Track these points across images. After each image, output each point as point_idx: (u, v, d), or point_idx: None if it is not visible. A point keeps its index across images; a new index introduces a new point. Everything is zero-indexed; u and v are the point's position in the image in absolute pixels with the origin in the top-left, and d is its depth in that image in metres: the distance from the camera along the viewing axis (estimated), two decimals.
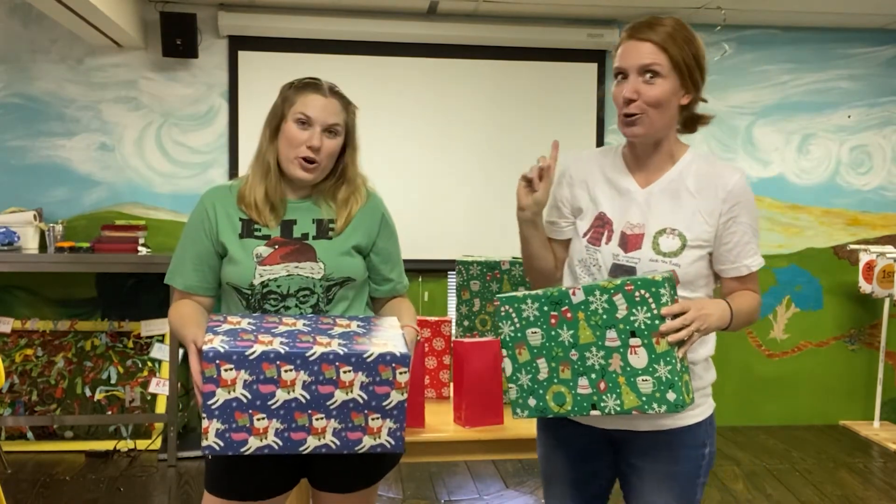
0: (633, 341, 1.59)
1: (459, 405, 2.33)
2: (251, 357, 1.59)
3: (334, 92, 1.89)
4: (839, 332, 5.21)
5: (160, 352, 4.42)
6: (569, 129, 4.87)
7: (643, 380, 1.59)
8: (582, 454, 1.84)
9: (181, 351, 4.22)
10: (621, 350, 1.60)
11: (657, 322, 1.56)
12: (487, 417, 2.32)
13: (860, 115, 5.14)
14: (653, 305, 1.57)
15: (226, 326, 1.67)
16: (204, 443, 1.61)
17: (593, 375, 1.62)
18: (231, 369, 1.58)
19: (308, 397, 1.61)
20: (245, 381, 1.59)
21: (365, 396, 1.63)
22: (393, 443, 1.67)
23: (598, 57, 4.92)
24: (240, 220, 1.87)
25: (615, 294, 1.59)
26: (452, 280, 4.87)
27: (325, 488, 1.90)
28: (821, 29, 5.04)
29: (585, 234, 1.79)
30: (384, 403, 1.65)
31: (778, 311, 5.15)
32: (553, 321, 1.64)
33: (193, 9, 4.51)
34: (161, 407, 4.39)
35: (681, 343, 1.57)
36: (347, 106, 1.91)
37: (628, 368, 1.59)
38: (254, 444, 1.61)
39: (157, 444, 4.37)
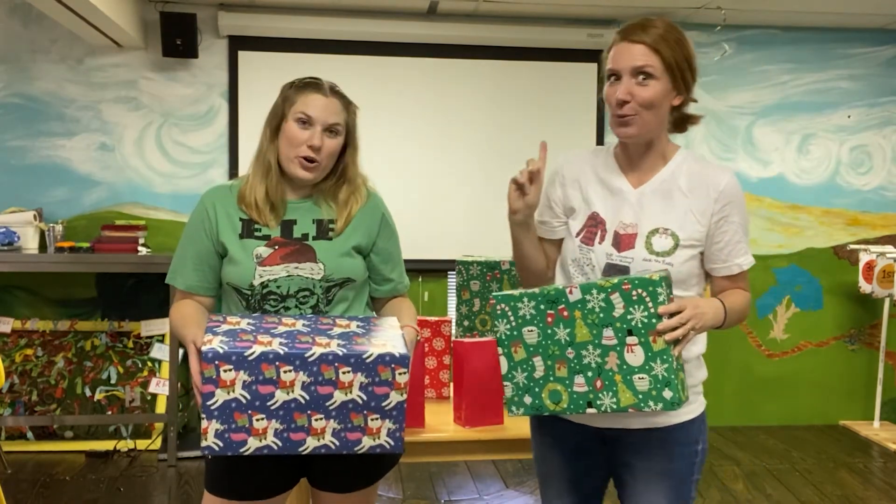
0: (630, 339, 1.59)
1: (459, 405, 2.33)
2: (250, 358, 1.59)
3: (335, 91, 1.89)
4: (839, 332, 5.20)
5: (160, 352, 4.42)
6: (568, 129, 4.88)
7: (640, 378, 1.59)
8: (576, 452, 1.84)
9: (181, 351, 4.22)
10: (618, 348, 1.60)
11: (654, 320, 1.57)
12: (487, 417, 2.32)
13: (860, 115, 5.14)
14: (650, 304, 1.57)
15: (225, 327, 1.67)
16: (203, 443, 1.61)
17: (590, 373, 1.63)
18: (230, 370, 1.58)
19: (307, 398, 1.61)
20: (244, 381, 1.59)
21: (364, 397, 1.63)
22: (392, 443, 1.67)
23: (597, 57, 4.90)
24: (240, 220, 1.87)
25: (612, 293, 1.60)
26: (452, 280, 4.87)
27: (324, 488, 1.90)
28: (821, 29, 5.04)
29: (578, 234, 1.79)
30: (383, 404, 1.65)
31: (778, 311, 5.15)
32: (549, 319, 1.64)
33: (193, 9, 4.51)
34: (161, 407, 4.39)
35: (677, 341, 1.58)
36: (348, 106, 1.91)
37: (625, 366, 1.60)
38: (253, 444, 1.61)
39: (157, 444, 4.38)
